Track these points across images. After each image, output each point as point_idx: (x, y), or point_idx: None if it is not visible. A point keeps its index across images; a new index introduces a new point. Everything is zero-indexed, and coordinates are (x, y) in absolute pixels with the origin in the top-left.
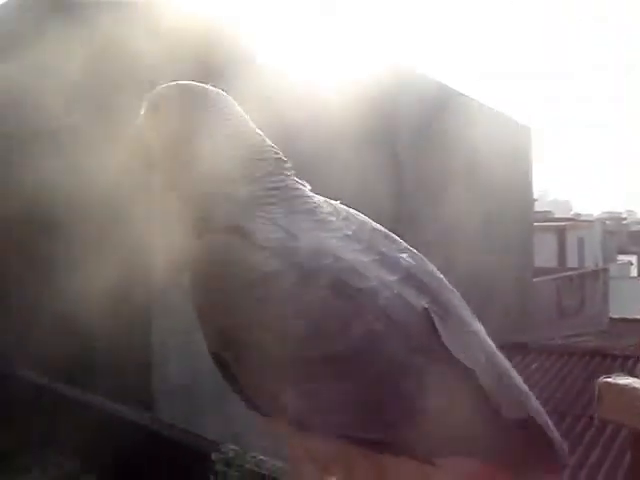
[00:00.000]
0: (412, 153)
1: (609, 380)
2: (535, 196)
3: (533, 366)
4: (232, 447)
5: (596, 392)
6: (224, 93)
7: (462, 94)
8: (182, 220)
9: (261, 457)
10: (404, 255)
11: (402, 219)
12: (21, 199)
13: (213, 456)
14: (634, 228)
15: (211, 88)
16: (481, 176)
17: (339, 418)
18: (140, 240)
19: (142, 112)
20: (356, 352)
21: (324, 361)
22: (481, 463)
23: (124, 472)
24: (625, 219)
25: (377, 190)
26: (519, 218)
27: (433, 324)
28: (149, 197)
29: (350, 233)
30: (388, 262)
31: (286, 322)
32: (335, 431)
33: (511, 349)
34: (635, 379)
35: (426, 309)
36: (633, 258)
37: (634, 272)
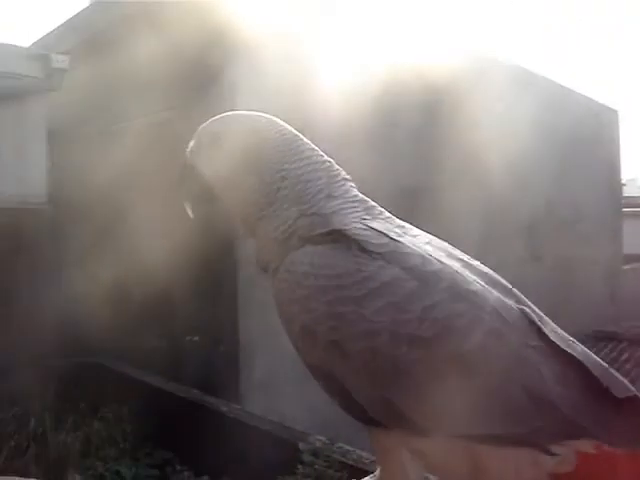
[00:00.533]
0: (492, 138)
1: None
2: (624, 181)
3: (624, 356)
4: (319, 437)
5: None
6: (274, 118)
7: (544, 77)
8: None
9: (347, 447)
10: (476, 262)
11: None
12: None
13: (300, 446)
14: None
15: (264, 115)
16: (566, 162)
17: (468, 418)
18: (229, 241)
19: (196, 144)
20: (483, 349)
21: (453, 361)
22: (596, 443)
23: (214, 463)
24: None
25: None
26: (607, 204)
27: (534, 321)
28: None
29: (428, 240)
30: (469, 268)
31: (413, 326)
32: (462, 431)
33: (601, 339)
34: None
35: (522, 309)
36: None
37: None
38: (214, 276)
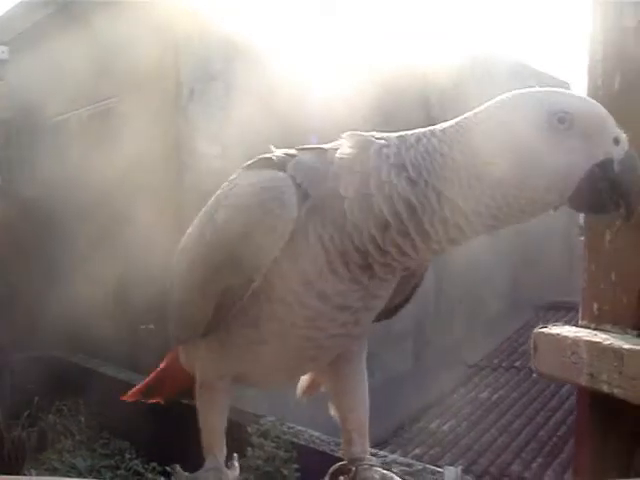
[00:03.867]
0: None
1: (543, 330)
2: None
3: None
4: (269, 419)
5: (532, 343)
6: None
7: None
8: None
9: (299, 428)
10: None
11: None
12: None
13: (249, 429)
14: None
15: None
16: None
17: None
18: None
19: None
20: None
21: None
22: None
23: (167, 450)
24: None
25: None
26: None
27: None
28: None
29: None
30: None
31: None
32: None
33: (559, 309)
34: (571, 327)
35: None
36: None
37: None
38: (166, 263)
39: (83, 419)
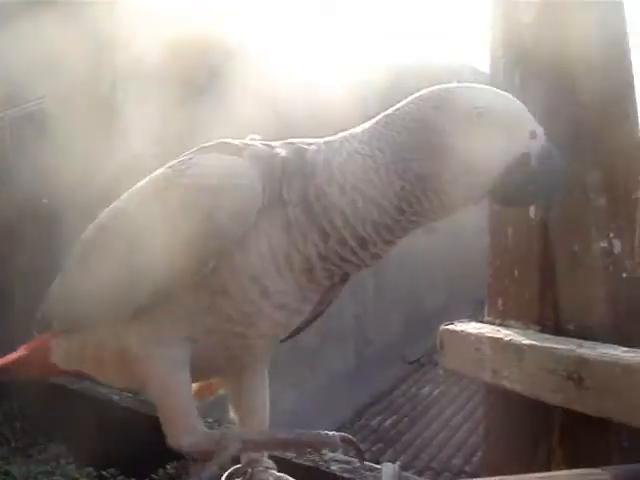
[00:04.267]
0: None
1: (449, 327)
2: None
3: None
4: (208, 419)
5: (438, 340)
6: None
7: None
8: None
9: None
10: None
11: None
12: None
13: None
14: None
15: None
16: None
17: None
18: None
19: None
20: None
21: None
22: None
23: (104, 454)
24: None
25: None
26: None
27: None
28: None
29: None
30: None
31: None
32: None
33: None
34: (477, 323)
35: None
36: None
37: None
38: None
39: (18, 425)
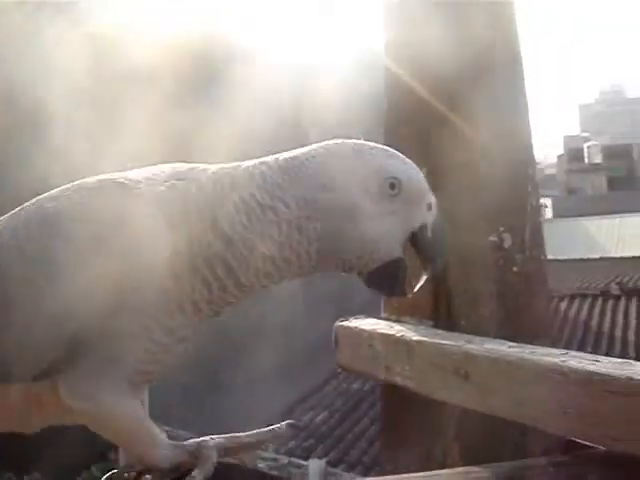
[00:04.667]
0: None
1: (343, 323)
2: None
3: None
4: None
5: (333, 336)
6: None
7: None
8: None
9: (166, 428)
10: None
11: None
12: None
13: None
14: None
15: None
16: None
17: None
18: None
19: None
20: None
21: None
22: None
23: (31, 463)
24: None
25: None
26: None
27: None
28: None
29: None
30: None
31: None
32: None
33: None
34: (372, 319)
35: None
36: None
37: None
38: None
39: None
